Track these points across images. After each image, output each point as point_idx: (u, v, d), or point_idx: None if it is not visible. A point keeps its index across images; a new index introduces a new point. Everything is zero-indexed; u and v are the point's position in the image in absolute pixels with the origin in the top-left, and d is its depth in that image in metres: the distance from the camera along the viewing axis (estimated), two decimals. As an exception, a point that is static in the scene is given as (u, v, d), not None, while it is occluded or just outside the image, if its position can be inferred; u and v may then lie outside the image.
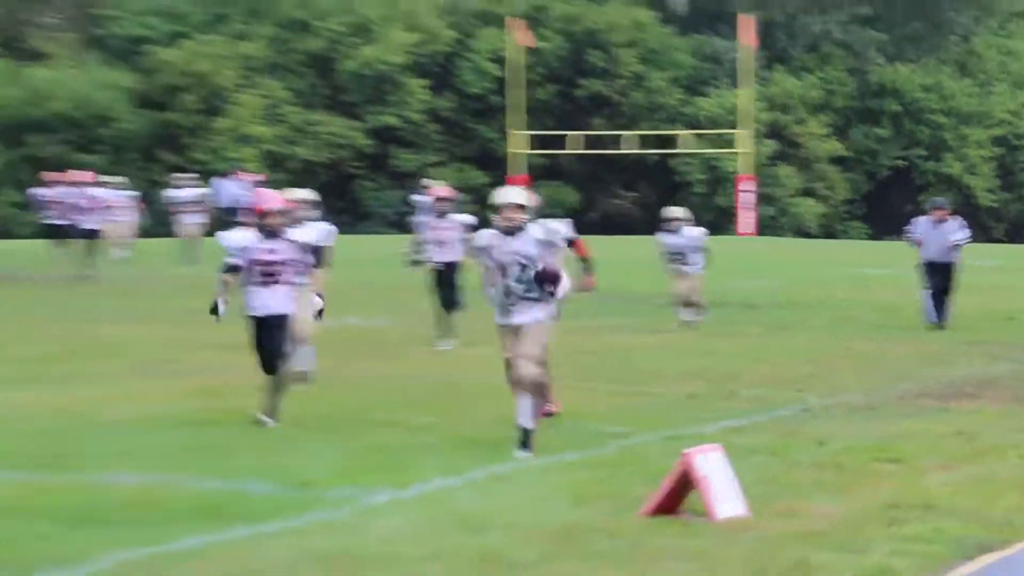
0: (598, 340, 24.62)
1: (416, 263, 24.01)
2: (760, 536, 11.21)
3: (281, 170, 58.63)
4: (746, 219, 67.36)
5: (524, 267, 14.42)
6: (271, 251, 15.84)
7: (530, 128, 69.89)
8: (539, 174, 70.93)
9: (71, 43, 71.83)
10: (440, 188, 25.15)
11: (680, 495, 11.85)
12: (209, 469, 13.68)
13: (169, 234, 43.99)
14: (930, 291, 27.49)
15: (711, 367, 21.66)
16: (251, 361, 16.43)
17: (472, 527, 11.36)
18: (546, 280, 14.40)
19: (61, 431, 15.61)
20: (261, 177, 45.48)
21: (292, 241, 16.01)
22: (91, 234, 33.56)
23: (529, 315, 14.40)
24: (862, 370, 21.87)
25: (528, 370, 14.12)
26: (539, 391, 14.33)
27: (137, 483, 12.90)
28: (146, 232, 45.48)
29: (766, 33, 73.88)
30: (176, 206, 42.38)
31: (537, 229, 14.55)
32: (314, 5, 72.53)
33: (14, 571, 10.11)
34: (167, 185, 45.93)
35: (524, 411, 14.13)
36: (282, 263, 15.86)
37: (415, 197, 40.38)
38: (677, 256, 26.65)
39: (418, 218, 37.64)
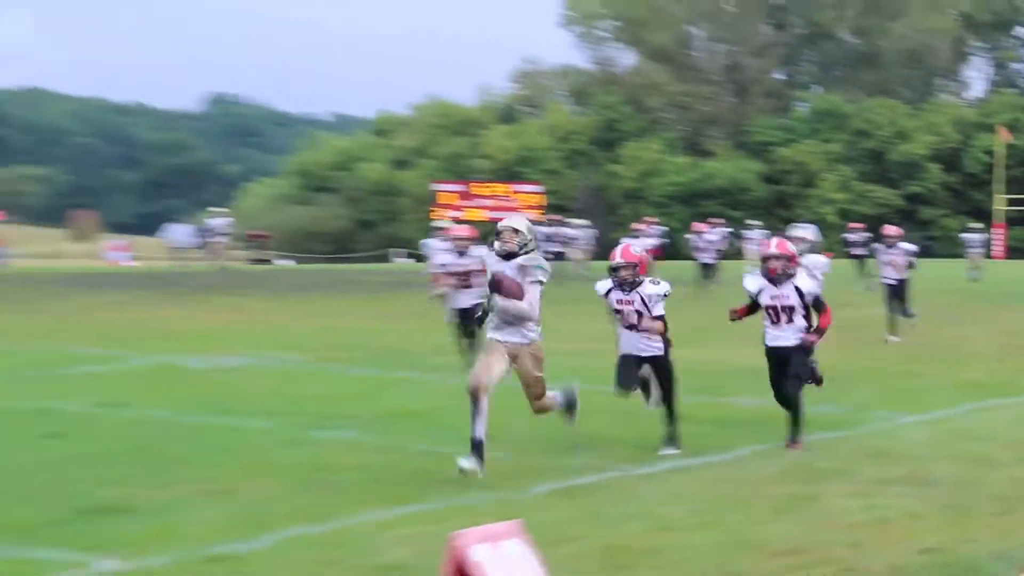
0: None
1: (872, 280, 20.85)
2: None
3: (848, 220, 57.33)
4: None
5: None
6: (781, 296, 10.37)
7: (1008, 193, 65.70)
8: (1012, 222, 66.98)
9: (727, 146, 73.01)
10: (891, 228, 21.77)
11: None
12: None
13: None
14: None
15: None
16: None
17: (967, 438, 10.48)
18: (493, 285, 9.27)
19: (708, 372, 15.27)
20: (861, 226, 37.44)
21: (796, 287, 10.39)
22: (706, 266, 32.47)
23: (510, 336, 9.24)
24: None
25: (539, 407, 9.51)
26: (548, 409, 9.59)
27: (751, 405, 12.44)
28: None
29: None
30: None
31: (523, 257, 9.24)
32: (873, 121, 71.05)
33: (697, 452, 9.86)
34: (777, 231, 43.47)
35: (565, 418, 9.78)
36: (790, 307, 10.33)
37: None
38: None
39: (855, 250, 34.63)
